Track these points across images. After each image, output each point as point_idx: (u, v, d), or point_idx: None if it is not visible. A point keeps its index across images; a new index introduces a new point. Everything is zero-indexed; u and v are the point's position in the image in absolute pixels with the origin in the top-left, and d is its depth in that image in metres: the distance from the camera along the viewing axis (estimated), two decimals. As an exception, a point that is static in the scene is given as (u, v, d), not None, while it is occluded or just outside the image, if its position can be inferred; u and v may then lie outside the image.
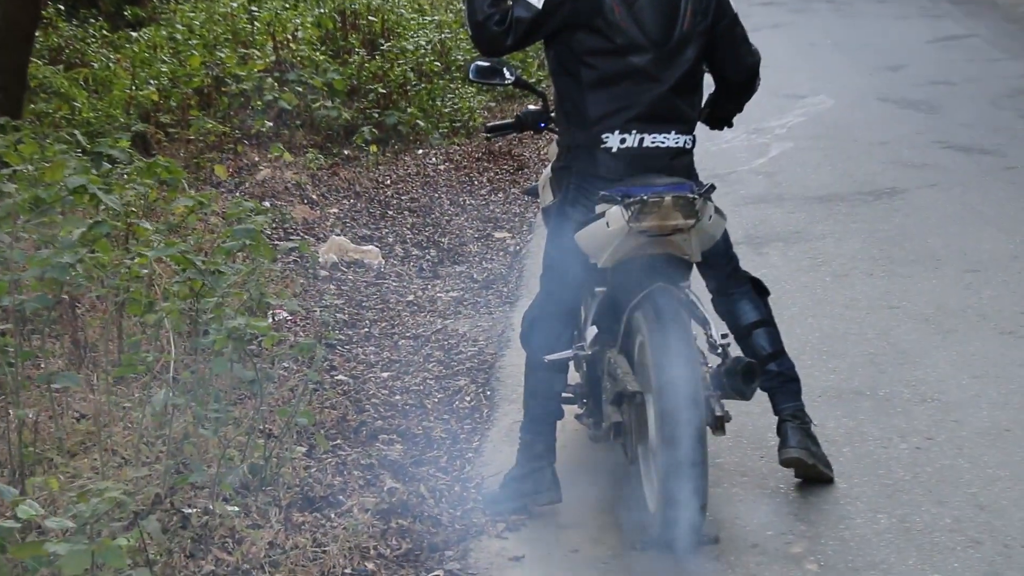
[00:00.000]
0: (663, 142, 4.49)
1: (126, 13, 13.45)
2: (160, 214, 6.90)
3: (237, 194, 8.68)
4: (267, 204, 8.41)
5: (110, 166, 6.73)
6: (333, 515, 4.55)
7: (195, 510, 4.34)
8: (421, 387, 5.91)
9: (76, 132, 7.94)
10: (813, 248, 7.59)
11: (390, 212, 8.97)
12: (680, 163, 4.54)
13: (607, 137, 4.46)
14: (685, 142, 4.54)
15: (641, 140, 4.46)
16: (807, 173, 9.34)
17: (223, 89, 10.50)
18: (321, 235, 8.31)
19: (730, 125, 4.98)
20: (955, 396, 5.43)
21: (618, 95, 4.45)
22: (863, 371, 5.76)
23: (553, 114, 4.91)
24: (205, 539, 4.22)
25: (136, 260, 5.18)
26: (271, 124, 10.26)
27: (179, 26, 11.76)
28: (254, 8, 12.18)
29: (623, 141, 4.46)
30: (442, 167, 10.21)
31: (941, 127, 10.59)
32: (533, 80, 11.14)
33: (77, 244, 4.71)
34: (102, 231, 4.85)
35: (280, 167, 9.40)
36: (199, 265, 4.81)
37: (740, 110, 4.93)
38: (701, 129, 4.78)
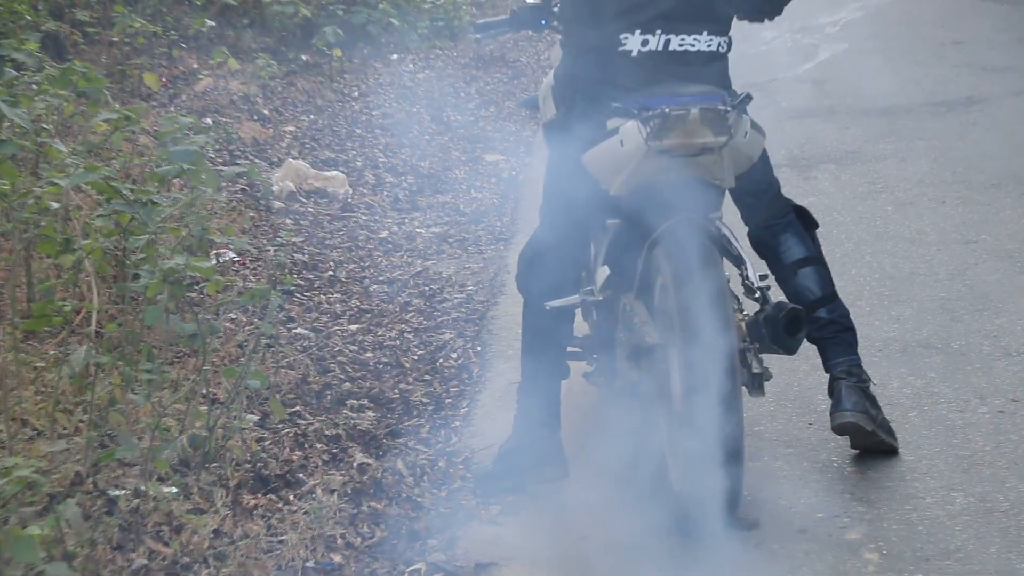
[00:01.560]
0: (693, 45, 4.45)
1: None
2: (78, 132, 6.86)
3: (172, 108, 8.64)
4: (209, 121, 8.37)
5: (15, 73, 6.67)
6: (291, 497, 4.55)
7: (124, 492, 4.33)
8: (397, 342, 5.91)
9: (-27, 32, 7.89)
10: (872, 171, 7.57)
11: (358, 131, 8.95)
12: (712, 70, 4.51)
13: (626, 38, 4.42)
14: (719, 45, 4.51)
15: (667, 42, 4.43)
16: (864, 80, 9.31)
17: (154, -21, 10.43)
18: (275, 158, 8.29)
19: (771, 19, 4.89)
20: (1046, 348, 5.44)
21: (636, -17, 4.42)
22: (933, 319, 5.76)
23: (557, 9, 4.86)
24: (136, 527, 4.21)
25: (48, 188, 5.15)
26: (212, 23, 10.20)
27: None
28: None
29: (645, 43, 4.42)
30: (421, 76, 10.17)
31: (1027, 22, 10.57)
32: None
33: (-25, 168, 4.68)
34: (6, 152, 4.82)
35: (224, 76, 9.37)
36: (126, 195, 4.78)
37: (787, 2, 4.87)
38: (737, 28, 4.73)
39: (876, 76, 9.35)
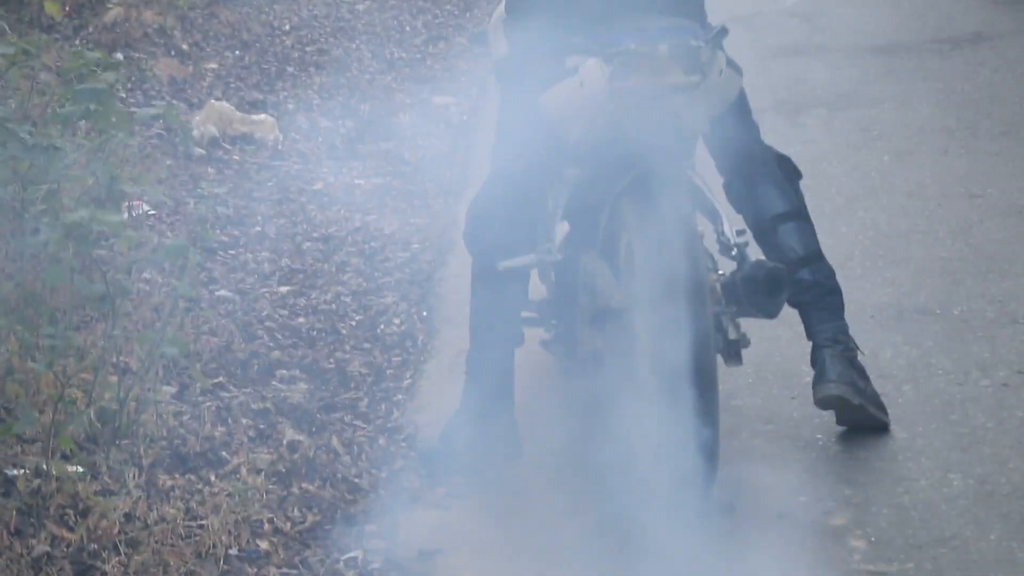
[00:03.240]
0: (663, -30, 4.49)
1: None
2: (-31, 69, 6.85)
3: (77, 42, 8.61)
4: (119, 56, 8.35)
5: None
6: (213, 477, 4.57)
7: (23, 471, 4.34)
8: (333, 306, 5.93)
9: None
10: (867, 116, 7.62)
11: (290, 68, 8.94)
12: (688, 4, 4.56)
13: (587, -37, 4.46)
14: (693, -30, 4.56)
15: (634, -32, 4.46)
16: (859, 14, 9.34)
17: None
18: (195, 100, 8.28)
19: None
20: (1057, 315, 5.51)
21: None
22: (932, 282, 5.81)
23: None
24: (37, 510, 4.23)
25: (-63, 131, 5.15)
26: (124, -56, 10.16)
27: None
28: None
29: (609, -31, 4.46)
30: (361, 7, 10.16)
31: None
32: None
33: None
34: None
35: (137, 5, 9.33)
36: (25, 138, 4.79)
37: None
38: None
39: (873, 9, 9.39)
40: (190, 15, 9.66)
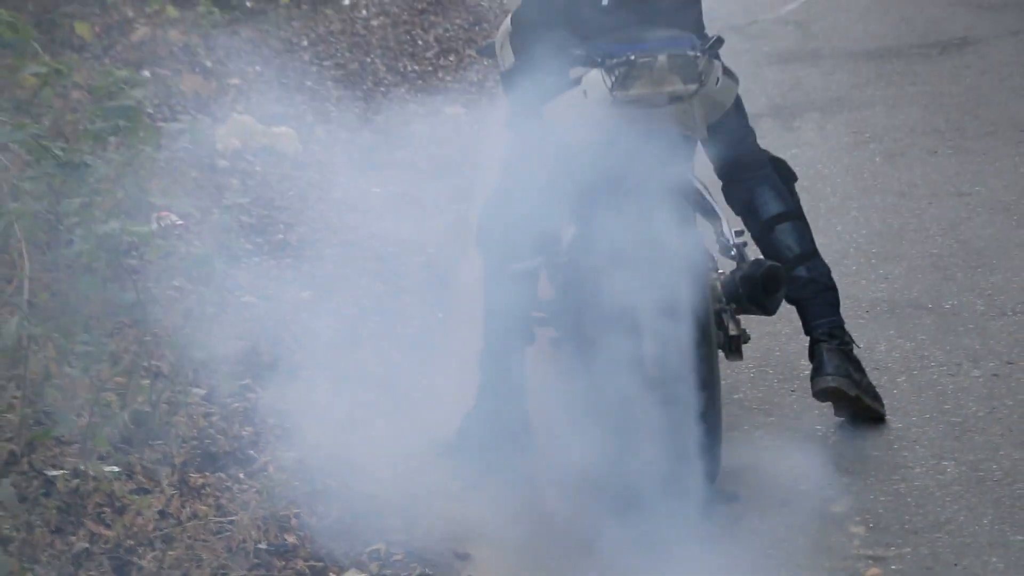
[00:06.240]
0: (666, -12, 4.50)
1: None
2: (3, 87, 6.85)
3: (106, 61, 8.61)
4: (146, 74, 8.36)
5: (-66, 25, 6.67)
6: (242, 475, 4.59)
7: (62, 472, 4.35)
8: (353, 309, 5.93)
9: None
10: (859, 119, 7.61)
11: (308, 83, 8.93)
12: (686, 16, 4.56)
13: (597, -20, 4.47)
14: (694, -14, 4.57)
15: (639, -15, 4.47)
16: (851, 21, 9.33)
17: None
18: (219, 114, 8.27)
19: None
20: (1043, 308, 5.50)
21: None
22: (924, 278, 5.82)
23: (516, -51, 4.91)
24: (76, 509, 4.24)
25: (-27, 148, 5.17)
26: (149, -33, 10.16)
27: None
28: None
29: (616, -14, 4.47)
30: (376, 23, 10.15)
31: (1027, -44, 10.59)
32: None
33: None
34: (-74, 111, 4.83)
35: (163, 25, 9.33)
36: (58, 154, 4.79)
37: None
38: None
39: (864, 16, 9.38)
40: (213, 33, 9.66)
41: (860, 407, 4.75)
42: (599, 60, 4.26)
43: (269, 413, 5.02)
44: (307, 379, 5.32)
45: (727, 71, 4.42)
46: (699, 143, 4.58)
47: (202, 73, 8.90)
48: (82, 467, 4.35)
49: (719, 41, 4.36)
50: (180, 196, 6.10)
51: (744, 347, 4.40)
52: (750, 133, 4.90)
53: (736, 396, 4.97)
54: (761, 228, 4.84)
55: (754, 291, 4.32)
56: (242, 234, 6.62)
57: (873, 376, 4.88)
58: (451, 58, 9.44)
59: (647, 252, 4.23)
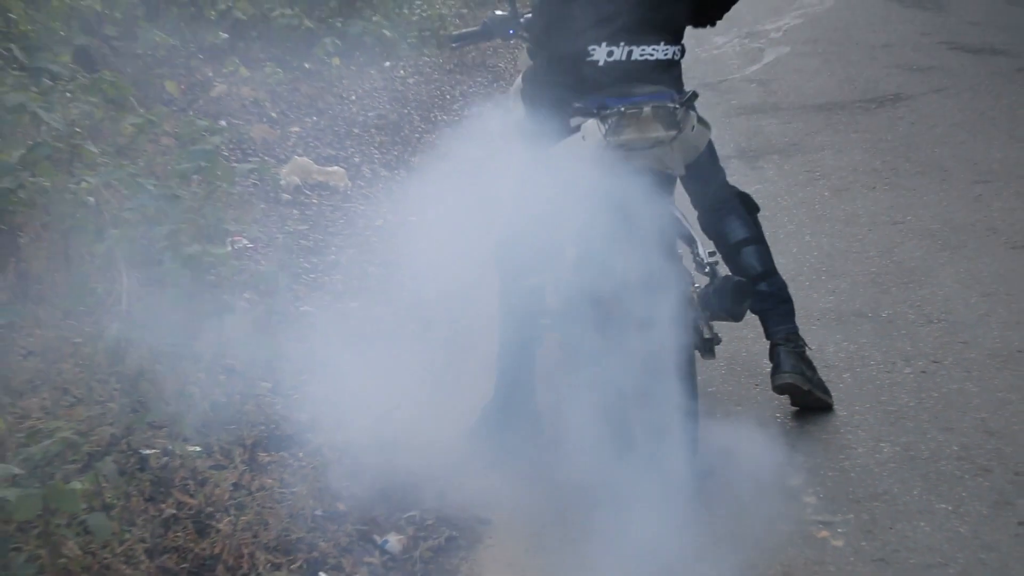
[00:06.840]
0: (652, 54, 4.49)
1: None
2: (107, 135, 6.86)
3: (190, 112, 8.63)
4: (223, 123, 8.37)
5: (51, 83, 6.68)
6: (301, 454, 4.60)
7: (154, 451, 4.37)
8: (393, 317, 5.93)
9: (12, 46, 7.88)
10: (811, 160, 7.61)
11: (356, 130, 8.94)
12: (669, 76, 4.55)
13: (593, 50, 4.47)
14: (674, 53, 4.55)
15: (630, 53, 4.47)
16: (804, 80, 9.34)
17: (172, -2, 10.40)
18: (282, 156, 8.29)
19: (713, 25, 4.94)
20: (963, 316, 5.48)
21: (602, 1, 4.45)
22: (865, 291, 5.81)
23: (525, 21, 4.91)
24: (165, 481, 4.26)
25: (82, 184, 5.17)
26: (226, 36, 10.19)
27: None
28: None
29: (610, 54, 4.46)
30: (411, 80, 10.17)
31: (948, 26, 10.60)
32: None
33: (17, 167, 4.68)
34: (44, 153, 4.83)
35: (236, 83, 9.35)
36: (151, 190, 4.80)
37: (727, 9, 4.90)
38: (690, 35, 4.79)
39: (815, 76, 9.39)
40: (277, 90, 9.69)
41: (812, 399, 4.75)
42: (595, 111, 4.26)
43: (323, 403, 5.01)
44: (354, 375, 5.32)
45: (701, 120, 4.43)
46: (678, 180, 4.58)
47: (268, 122, 8.92)
48: (170, 447, 4.38)
49: (694, 95, 4.36)
50: (250, 223, 6.12)
51: (716, 348, 4.39)
52: (721, 172, 4.91)
53: (710, 389, 4.97)
54: (730, 250, 4.84)
55: (724, 301, 4.31)
56: (301, 255, 6.63)
57: (823, 373, 4.88)
58: (474, 110, 9.43)
59: (637, 269, 4.23)
